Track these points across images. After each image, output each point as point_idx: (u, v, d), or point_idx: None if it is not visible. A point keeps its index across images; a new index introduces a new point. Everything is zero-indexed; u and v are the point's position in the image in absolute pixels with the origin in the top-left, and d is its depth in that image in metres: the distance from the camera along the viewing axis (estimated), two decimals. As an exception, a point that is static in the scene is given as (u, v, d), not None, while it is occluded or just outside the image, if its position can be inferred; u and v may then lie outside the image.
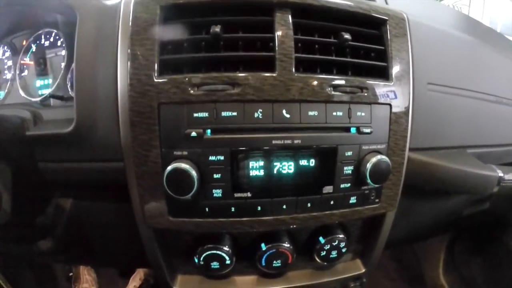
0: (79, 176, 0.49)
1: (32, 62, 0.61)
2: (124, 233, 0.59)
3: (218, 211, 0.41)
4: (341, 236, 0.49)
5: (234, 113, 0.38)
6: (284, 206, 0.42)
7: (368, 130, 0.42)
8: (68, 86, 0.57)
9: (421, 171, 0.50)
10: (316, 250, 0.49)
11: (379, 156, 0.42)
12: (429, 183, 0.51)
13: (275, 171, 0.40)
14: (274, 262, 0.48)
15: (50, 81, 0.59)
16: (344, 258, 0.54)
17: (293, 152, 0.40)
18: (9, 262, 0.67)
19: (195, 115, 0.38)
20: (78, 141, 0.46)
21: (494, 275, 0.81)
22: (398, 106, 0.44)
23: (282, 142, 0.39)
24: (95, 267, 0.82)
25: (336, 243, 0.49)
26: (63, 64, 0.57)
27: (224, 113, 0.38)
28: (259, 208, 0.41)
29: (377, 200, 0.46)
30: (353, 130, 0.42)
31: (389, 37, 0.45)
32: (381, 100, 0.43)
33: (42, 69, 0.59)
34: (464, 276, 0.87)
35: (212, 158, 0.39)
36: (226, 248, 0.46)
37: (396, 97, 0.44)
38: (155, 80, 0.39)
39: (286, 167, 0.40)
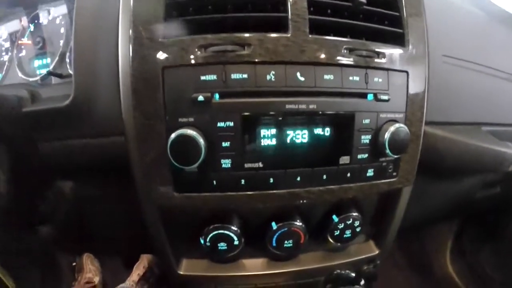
0: (78, 154, 0.43)
1: (30, 42, 0.56)
2: (127, 216, 0.53)
3: (227, 184, 0.35)
4: (355, 214, 0.43)
5: (245, 76, 0.33)
6: (299, 178, 0.36)
7: (385, 97, 0.37)
8: (67, 64, 0.52)
9: (437, 145, 0.45)
10: (329, 230, 0.44)
11: (397, 125, 0.37)
12: (445, 159, 0.46)
13: (289, 140, 0.35)
14: (286, 242, 0.42)
15: (49, 60, 0.54)
16: (357, 240, 0.49)
17: (308, 119, 0.35)
18: (12, 253, 0.62)
19: (202, 78, 0.33)
20: (77, 115, 0.41)
21: (502, 263, 0.77)
22: (415, 74, 0.39)
23: (297, 107, 0.34)
24: (99, 255, 0.76)
25: (351, 221, 0.43)
26: (61, 42, 0.53)
27: (233, 76, 0.33)
28: (271, 180, 0.36)
29: (394, 174, 0.41)
30: (370, 96, 0.37)
31: (404, 3, 0.40)
32: (398, 66, 0.38)
33: (41, 47, 0.54)
34: (472, 264, 0.82)
35: (220, 124, 0.33)
36: (234, 228, 0.41)
37: (413, 65, 0.39)
38: (160, 42, 0.34)
39: (301, 135, 0.35)
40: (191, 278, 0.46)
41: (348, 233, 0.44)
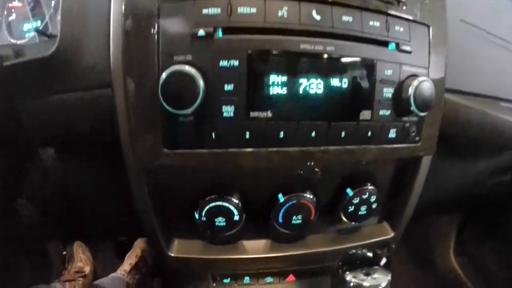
0: (61, 113, 0.36)
1: (20, 4, 0.50)
2: (115, 193, 0.45)
3: (228, 138, 0.28)
4: (371, 187, 0.36)
5: (253, 10, 0.27)
6: (313, 134, 0.29)
7: (408, 48, 0.31)
8: (57, 23, 0.46)
9: (457, 114, 0.39)
10: (342, 206, 0.36)
11: (421, 78, 0.31)
12: (465, 129, 0.40)
13: (302, 88, 0.28)
14: (294, 218, 0.34)
15: (39, 23, 0.48)
16: (370, 221, 0.42)
17: (325, 64, 0.28)
18: (6, 248, 0.53)
19: (204, 11, 0.27)
20: (61, 65, 0.34)
21: (506, 260, 0.69)
22: (436, 29, 0.34)
23: (312, 47, 0.28)
24: (90, 244, 0.67)
25: (367, 196, 0.36)
26: (53, 2, 0.47)
27: (240, 9, 0.27)
28: (281, 134, 0.28)
29: (417, 138, 0.34)
30: (391, 46, 0.31)
31: None
32: (419, 19, 0.33)
33: (32, 9, 0.48)
34: (476, 260, 0.74)
35: (223, 63, 0.26)
36: (234, 200, 0.33)
37: (433, 19, 0.34)
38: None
39: (316, 82, 0.28)
40: (183, 261, 0.38)
41: (363, 209, 0.37)
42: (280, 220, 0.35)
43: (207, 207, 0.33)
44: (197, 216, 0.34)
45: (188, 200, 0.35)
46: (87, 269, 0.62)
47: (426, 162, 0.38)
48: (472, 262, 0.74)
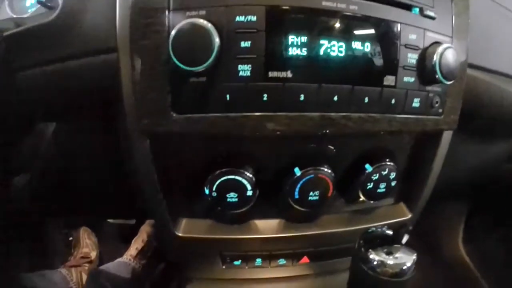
0: (62, 84, 0.34)
1: (23, -21, 0.48)
2: (116, 171, 0.42)
3: (244, 100, 0.25)
4: (391, 163, 0.34)
5: (272, -38, 0.25)
6: (335, 98, 0.26)
7: (432, 14, 0.29)
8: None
9: (478, 89, 0.37)
10: (360, 183, 0.33)
11: (445, 45, 0.28)
12: (486, 105, 0.38)
13: (324, 48, 0.25)
14: (311, 194, 0.32)
15: None
16: (387, 201, 0.40)
17: (348, 23, 0.26)
18: (4, 232, 0.50)
19: (219, -37, 0.25)
20: (63, 30, 0.31)
21: None
22: None
23: (335, 4, 0.25)
24: (96, 228, 0.64)
25: (386, 172, 0.33)
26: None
27: (257, -37, 0.25)
28: (302, 97, 0.26)
29: (440, 110, 0.32)
30: (415, 10, 0.29)
31: None
32: (443, -16, 0.31)
33: (35, -17, 0.46)
34: (484, 249, 0.72)
35: (240, 18, 0.24)
36: (247, 174, 0.31)
37: (456, -15, 0.32)
38: None
39: (337, 46, 0.26)
40: (191, 242, 0.35)
41: (382, 187, 0.34)
42: (296, 195, 0.32)
43: (218, 181, 0.31)
44: (207, 191, 0.31)
45: (197, 174, 0.32)
46: (93, 255, 0.60)
47: (446, 138, 0.36)
48: (480, 251, 0.72)
